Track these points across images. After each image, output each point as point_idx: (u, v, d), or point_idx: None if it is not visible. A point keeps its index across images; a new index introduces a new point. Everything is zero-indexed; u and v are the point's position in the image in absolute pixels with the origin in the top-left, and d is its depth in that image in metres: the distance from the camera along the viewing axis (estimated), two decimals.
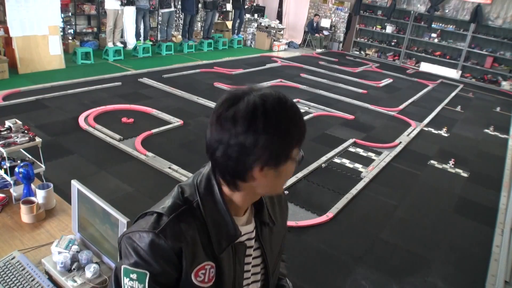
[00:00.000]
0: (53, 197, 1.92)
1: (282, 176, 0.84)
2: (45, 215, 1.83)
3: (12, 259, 1.51)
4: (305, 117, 5.80)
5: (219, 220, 0.85)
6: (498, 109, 8.15)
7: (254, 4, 12.93)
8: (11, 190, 1.92)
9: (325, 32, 12.39)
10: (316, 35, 12.27)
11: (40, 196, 1.85)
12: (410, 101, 7.69)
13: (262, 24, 11.64)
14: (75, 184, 1.54)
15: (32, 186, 1.91)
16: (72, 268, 1.48)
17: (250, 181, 0.81)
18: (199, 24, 10.89)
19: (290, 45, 12.33)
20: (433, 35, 11.39)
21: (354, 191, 3.89)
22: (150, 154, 4.05)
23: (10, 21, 5.94)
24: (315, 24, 12.23)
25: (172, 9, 8.94)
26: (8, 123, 2.11)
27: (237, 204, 0.87)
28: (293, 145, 0.81)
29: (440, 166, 4.83)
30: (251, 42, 11.66)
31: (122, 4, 7.71)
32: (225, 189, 0.86)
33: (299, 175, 4.04)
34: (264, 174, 0.80)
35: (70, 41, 7.86)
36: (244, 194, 0.86)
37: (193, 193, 0.86)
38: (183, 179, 3.67)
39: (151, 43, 8.91)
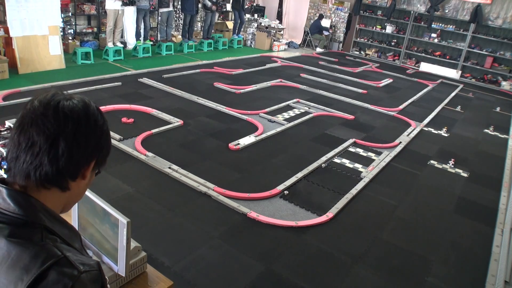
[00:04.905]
0: None
1: (89, 183, 0.88)
2: None
3: None
4: (305, 117, 5.81)
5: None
6: (498, 109, 8.15)
7: (254, 4, 12.93)
8: None
9: (325, 32, 12.39)
10: (322, 35, 12.28)
11: None
12: (410, 101, 7.69)
13: (262, 24, 11.64)
14: None
15: None
16: None
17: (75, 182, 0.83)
18: (199, 24, 10.90)
19: (290, 45, 12.33)
20: (433, 35, 11.39)
21: (354, 191, 3.89)
22: (150, 154, 4.06)
23: (10, 21, 5.94)
24: (322, 24, 12.22)
25: (171, 8, 8.94)
26: (8, 123, 2.11)
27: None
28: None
29: (440, 166, 4.83)
30: (251, 42, 11.66)
31: (123, 4, 7.71)
32: (39, 195, 0.80)
33: (299, 175, 4.04)
34: (91, 174, 0.86)
35: (70, 41, 7.85)
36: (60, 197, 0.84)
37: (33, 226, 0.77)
38: (183, 179, 3.67)
39: (151, 43, 8.91)
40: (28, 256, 0.71)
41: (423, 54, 11.66)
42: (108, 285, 0.85)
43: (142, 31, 8.58)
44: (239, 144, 4.59)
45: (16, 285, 0.68)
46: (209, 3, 9.54)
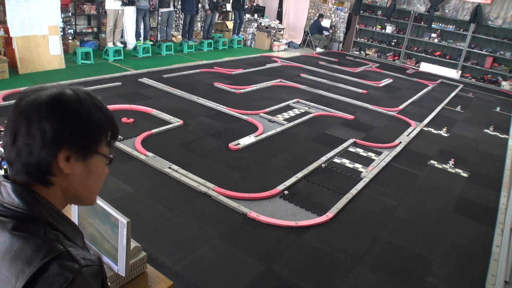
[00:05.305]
0: None
1: (92, 174, 0.82)
2: None
3: None
4: (305, 117, 5.81)
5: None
6: (498, 109, 8.15)
7: (254, 4, 12.93)
8: None
9: (325, 32, 12.39)
10: (322, 35, 12.28)
11: None
12: (410, 101, 7.69)
13: (262, 24, 11.64)
14: None
15: None
16: None
17: (58, 174, 0.77)
18: (199, 24, 10.90)
19: (290, 45, 12.33)
20: (433, 35, 11.39)
21: (354, 191, 3.89)
22: (150, 154, 4.06)
23: (10, 21, 5.94)
24: (322, 24, 12.21)
25: (171, 8, 8.94)
26: None
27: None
28: (100, 136, 0.81)
29: (440, 166, 4.83)
30: (251, 42, 11.66)
31: (123, 4, 7.71)
32: (40, 189, 0.79)
33: (299, 175, 4.04)
34: (71, 166, 0.77)
35: (70, 41, 7.85)
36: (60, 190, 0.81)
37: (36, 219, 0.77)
38: (183, 179, 3.67)
39: (151, 43, 8.91)
40: (30, 249, 0.71)
41: (423, 54, 11.66)
42: (109, 283, 0.85)
43: (142, 31, 8.58)
44: (239, 144, 4.59)
45: (18, 277, 0.69)
46: (206, 6, 9.54)
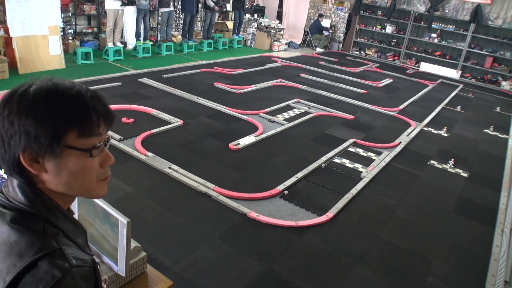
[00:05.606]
0: None
1: (71, 170, 0.75)
2: None
3: None
4: (305, 117, 5.81)
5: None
6: (498, 109, 8.15)
7: (254, 4, 12.93)
8: None
9: (325, 32, 12.39)
10: (322, 35, 12.28)
11: None
12: (410, 101, 7.69)
13: (262, 24, 11.64)
14: None
15: None
16: None
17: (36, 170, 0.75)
18: (199, 24, 10.90)
19: (290, 45, 12.34)
20: (433, 35, 11.39)
21: (354, 191, 3.89)
22: (150, 154, 4.06)
23: (10, 21, 5.94)
24: (322, 24, 12.21)
25: (171, 8, 8.94)
26: None
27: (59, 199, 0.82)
28: (64, 127, 0.72)
29: (440, 166, 4.83)
30: (251, 42, 11.66)
31: (123, 4, 7.71)
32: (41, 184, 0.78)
33: (299, 175, 4.04)
34: (41, 166, 0.74)
35: (70, 41, 7.86)
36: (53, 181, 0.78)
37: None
38: (183, 179, 3.67)
39: (151, 43, 8.91)
40: (24, 243, 0.71)
41: (423, 54, 11.66)
42: (105, 285, 0.84)
43: (142, 31, 8.58)
44: (239, 144, 4.59)
45: (9, 270, 0.69)
46: (212, 3, 9.54)
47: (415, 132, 5.91)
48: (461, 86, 10.02)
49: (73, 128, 0.73)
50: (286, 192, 3.70)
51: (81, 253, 0.77)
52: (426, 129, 6.20)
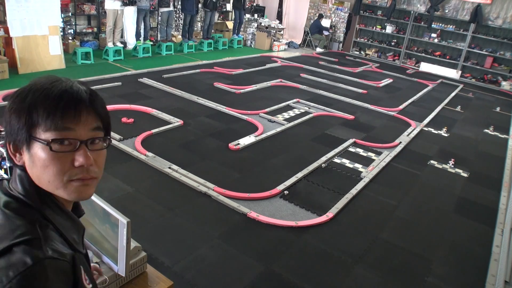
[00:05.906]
0: None
1: (35, 162, 0.76)
2: None
3: None
4: (305, 117, 5.81)
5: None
6: (498, 109, 8.15)
7: (254, 4, 12.93)
8: None
9: (325, 32, 12.39)
10: (322, 35, 12.27)
11: None
12: (410, 101, 7.69)
13: (262, 24, 11.64)
14: None
15: None
16: None
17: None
18: (199, 24, 10.90)
19: (290, 45, 12.33)
20: (433, 35, 11.39)
21: (354, 191, 3.89)
22: (150, 154, 4.06)
23: (10, 21, 5.94)
24: (322, 24, 12.21)
25: (171, 8, 8.94)
26: None
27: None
28: (30, 119, 0.75)
29: (440, 166, 4.83)
30: (251, 42, 11.66)
31: (123, 4, 7.71)
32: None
33: (299, 175, 4.04)
34: (22, 157, 0.80)
35: (70, 41, 7.85)
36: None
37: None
38: (183, 179, 3.67)
39: (151, 43, 8.91)
40: (8, 227, 0.73)
41: (423, 54, 11.66)
42: (89, 285, 0.82)
43: (142, 31, 8.58)
44: (239, 144, 4.59)
45: None
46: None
47: (415, 132, 5.91)
48: (461, 86, 10.02)
49: (39, 121, 0.75)
50: (286, 192, 3.70)
51: (65, 248, 0.76)
52: (426, 129, 6.20)
